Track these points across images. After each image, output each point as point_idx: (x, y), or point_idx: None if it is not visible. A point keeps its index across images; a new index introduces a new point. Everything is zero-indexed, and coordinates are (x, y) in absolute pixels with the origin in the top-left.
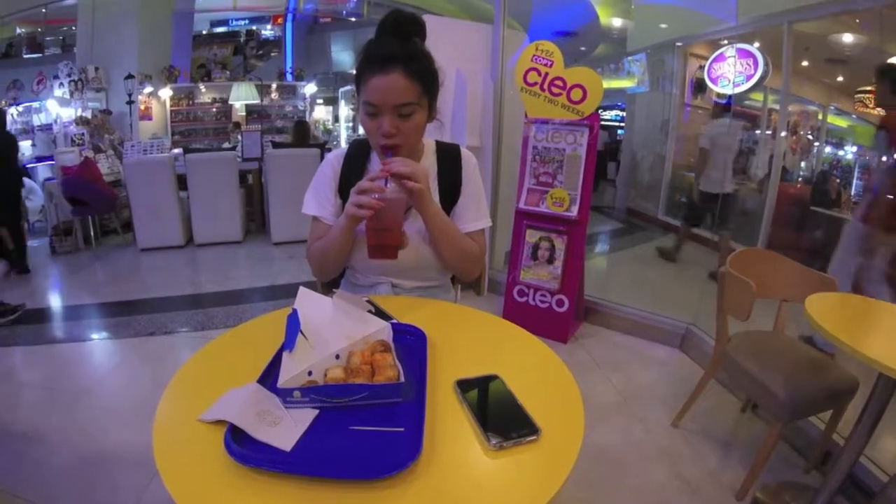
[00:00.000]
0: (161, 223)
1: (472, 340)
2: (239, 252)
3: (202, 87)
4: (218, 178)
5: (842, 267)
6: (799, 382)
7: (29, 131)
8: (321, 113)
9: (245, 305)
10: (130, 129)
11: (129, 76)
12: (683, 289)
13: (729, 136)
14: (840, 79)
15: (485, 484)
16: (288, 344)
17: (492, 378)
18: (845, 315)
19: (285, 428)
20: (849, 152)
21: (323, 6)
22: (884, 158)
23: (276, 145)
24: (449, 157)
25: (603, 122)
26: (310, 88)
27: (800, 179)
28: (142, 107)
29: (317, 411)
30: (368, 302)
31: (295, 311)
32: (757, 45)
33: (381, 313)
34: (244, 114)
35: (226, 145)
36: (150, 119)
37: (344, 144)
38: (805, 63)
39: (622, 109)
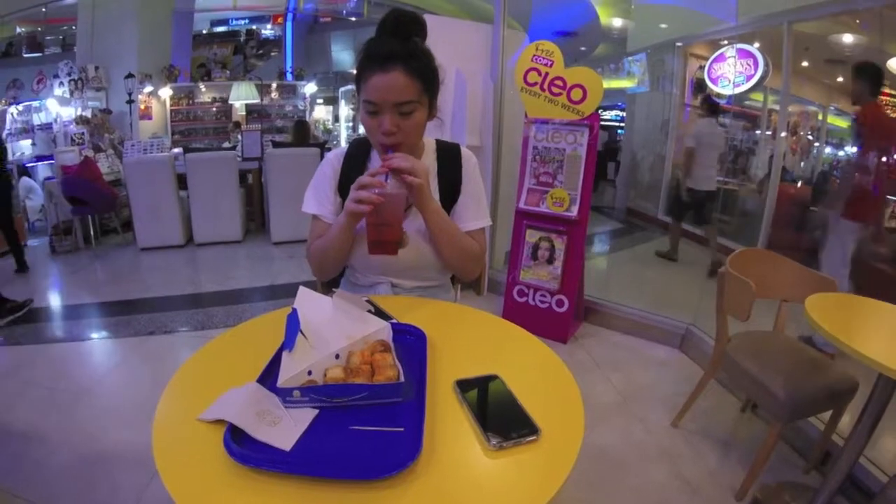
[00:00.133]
0: (161, 222)
1: (471, 340)
2: (239, 251)
3: (202, 86)
4: (218, 177)
5: (831, 265)
6: (799, 383)
7: (29, 130)
8: (321, 112)
9: (245, 305)
10: (130, 128)
11: (129, 75)
12: (683, 289)
13: (715, 135)
14: (840, 79)
15: (485, 484)
16: (288, 343)
17: (492, 378)
18: (845, 315)
19: (285, 428)
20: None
21: (323, 6)
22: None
23: (276, 145)
24: (449, 156)
25: (603, 123)
26: (310, 88)
27: (794, 181)
28: (142, 106)
29: (316, 411)
30: (368, 302)
31: (295, 310)
32: (757, 45)
33: (380, 313)
34: (244, 113)
35: (226, 145)
36: (150, 118)
37: (344, 144)
38: (805, 63)
39: (622, 109)
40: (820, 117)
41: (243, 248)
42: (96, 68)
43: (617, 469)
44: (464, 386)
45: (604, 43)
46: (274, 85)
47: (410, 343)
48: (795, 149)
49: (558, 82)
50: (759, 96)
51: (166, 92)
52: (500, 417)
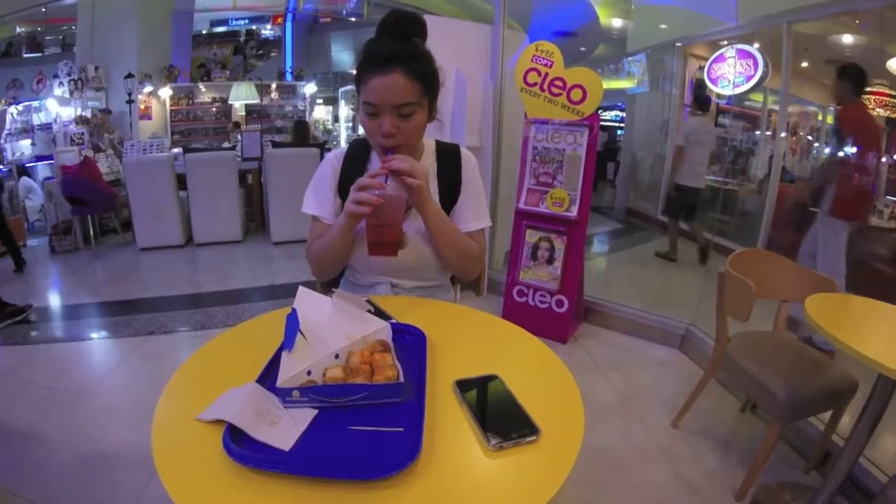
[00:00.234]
0: (161, 222)
1: (471, 340)
2: (238, 251)
3: (202, 86)
4: (218, 177)
5: (826, 263)
6: (799, 383)
7: (29, 130)
8: (321, 113)
9: (244, 305)
10: (130, 128)
11: (129, 75)
12: (683, 289)
13: (705, 133)
14: None
15: (484, 484)
16: (287, 343)
17: (491, 378)
18: (845, 315)
19: (284, 428)
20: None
21: (323, 6)
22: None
23: (275, 145)
24: (449, 157)
25: (602, 123)
26: (309, 88)
27: (793, 181)
28: (141, 106)
29: (316, 411)
30: (368, 302)
31: (294, 310)
32: (757, 45)
33: (380, 313)
34: (244, 113)
35: (225, 145)
36: (150, 118)
37: (344, 144)
38: (805, 64)
39: (622, 110)
40: (820, 118)
41: (243, 248)
42: (96, 68)
43: (617, 469)
44: (463, 386)
45: (603, 43)
46: (274, 85)
47: (410, 343)
48: (795, 149)
49: (558, 83)
50: (758, 97)
51: (166, 92)
52: (500, 417)
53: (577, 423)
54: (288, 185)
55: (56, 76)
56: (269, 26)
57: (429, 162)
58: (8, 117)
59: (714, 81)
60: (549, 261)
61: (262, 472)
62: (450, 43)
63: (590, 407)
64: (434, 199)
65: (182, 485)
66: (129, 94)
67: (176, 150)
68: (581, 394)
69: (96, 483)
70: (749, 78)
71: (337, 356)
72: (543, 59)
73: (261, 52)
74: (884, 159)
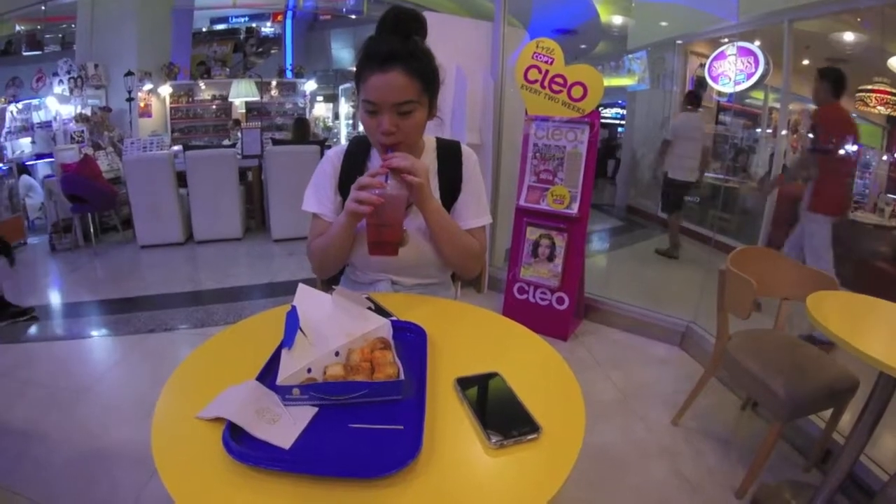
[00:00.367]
0: (161, 220)
1: (472, 338)
2: (239, 249)
3: (202, 84)
4: (218, 175)
5: (812, 256)
6: (799, 381)
7: (28, 128)
8: (321, 110)
9: (245, 302)
10: (130, 126)
11: (129, 73)
12: (683, 286)
13: (693, 128)
14: None
15: (485, 482)
16: (287, 341)
17: (492, 375)
18: (846, 313)
19: (284, 426)
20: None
21: (323, 3)
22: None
23: (275, 142)
24: (449, 154)
25: (603, 120)
26: (310, 86)
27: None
28: (141, 104)
29: (316, 409)
30: (368, 299)
31: (294, 307)
32: (758, 43)
33: (380, 310)
34: (244, 111)
35: (226, 142)
36: (150, 116)
37: (344, 141)
38: (806, 62)
39: (622, 107)
40: None
41: (243, 246)
42: (96, 66)
43: (617, 467)
44: (464, 383)
45: (604, 41)
46: (274, 82)
47: (410, 340)
48: (796, 147)
49: (559, 80)
50: (759, 94)
51: (166, 89)
52: (501, 415)
53: (579, 420)
54: (288, 183)
55: (56, 74)
56: (269, 24)
57: (429, 159)
58: (8, 115)
59: (715, 79)
60: (550, 258)
61: (261, 470)
62: (450, 40)
63: (590, 405)
64: (435, 196)
65: (182, 483)
66: (129, 92)
67: (176, 147)
68: (581, 391)
69: (96, 481)
70: (750, 75)
71: (337, 354)
72: (544, 56)
73: (261, 49)
74: (875, 156)
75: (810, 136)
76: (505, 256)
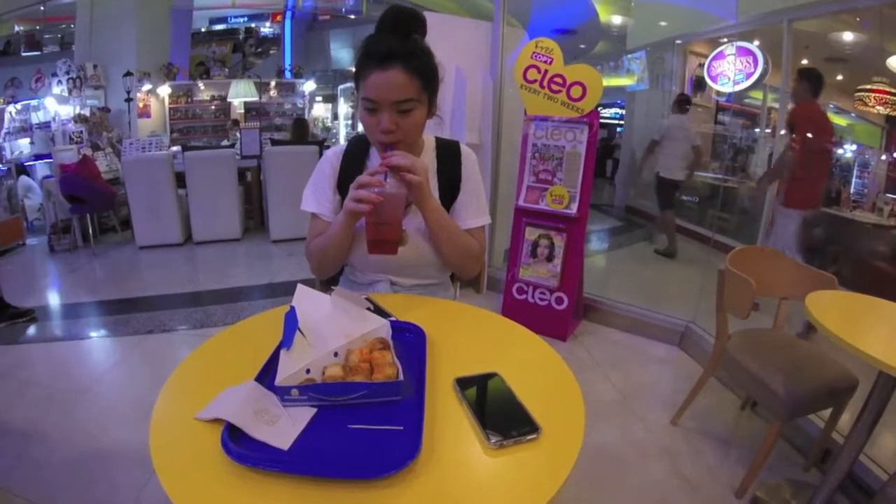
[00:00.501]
0: (160, 221)
1: (471, 338)
2: (238, 250)
3: (201, 84)
4: (217, 175)
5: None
6: (799, 380)
7: (27, 129)
8: (320, 110)
9: (243, 303)
10: (129, 126)
11: (128, 73)
12: (682, 286)
13: (680, 129)
14: (839, 77)
15: (484, 483)
16: (286, 342)
17: (491, 376)
18: (845, 313)
19: (283, 426)
20: (848, 151)
21: (322, 3)
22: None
23: (274, 143)
24: (448, 154)
25: (602, 120)
26: (309, 86)
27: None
28: (140, 104)
29: (315, 410)
30: (367, 299)
31: (293, 308)
32: (757, 43)
33: (379, 311)
34: (243, 111)
35: (224, 143)
36: (149, 117)
37: (343, 142)
38: (805, 61)
39: (622, 107)
40: None
41: (242, 247)
42: (95, 66)
43: (616, 467)
44: (463, 384)
45: (603, 40)
46: (273, 83)
47: (409, 341)
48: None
49: (558, 79)
50: (758, 94)
51: (165, 90)
52: (500, 415)
53: (578, 421)
54: (287, 183)
55: (55, 74)
56: (268, 24)
57: (429, 158)
58: (6, 116)
59: (714, 79)
60: (549, 258)
61: (260, 471)
62: (449, 40)
63: (589, 405)
64: (434, 195)
65: (180, 484)
66: (128, 93)
67: (175, 148)
68: (581, 391)
69: (95, 482)
70: (749, 75)
71: (336, 354)
72: (543, 55)
73: (260, 49)
74: (876, 155)
75: (787, 134)
76: (504, 256)
